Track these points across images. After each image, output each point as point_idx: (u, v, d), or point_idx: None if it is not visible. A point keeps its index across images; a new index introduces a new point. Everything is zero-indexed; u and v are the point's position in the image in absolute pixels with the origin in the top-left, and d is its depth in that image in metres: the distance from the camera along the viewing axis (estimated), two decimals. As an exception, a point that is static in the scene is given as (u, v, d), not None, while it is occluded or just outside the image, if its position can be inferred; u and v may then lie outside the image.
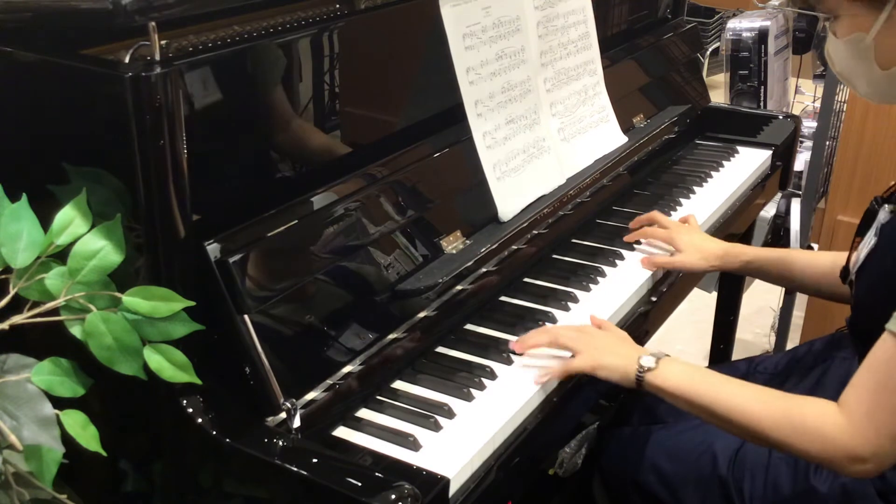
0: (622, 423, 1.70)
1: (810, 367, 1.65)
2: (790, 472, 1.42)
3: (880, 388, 1.18)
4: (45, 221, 1.05)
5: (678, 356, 1.39)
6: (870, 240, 1.38)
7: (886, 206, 1.36)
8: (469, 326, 1.46)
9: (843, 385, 1.24)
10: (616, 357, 1.35)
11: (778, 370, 1.69)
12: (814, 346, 1.69)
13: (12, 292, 1.03)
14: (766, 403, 1.25)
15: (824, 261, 1.65)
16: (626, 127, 1.97)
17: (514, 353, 1.38)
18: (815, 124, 2.69)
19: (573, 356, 1.36)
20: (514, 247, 1.55)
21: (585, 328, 1.42)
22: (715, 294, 2.52)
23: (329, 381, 1.21)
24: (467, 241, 1.48)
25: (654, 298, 1.64)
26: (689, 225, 1.77)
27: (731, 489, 1.46)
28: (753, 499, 1.44)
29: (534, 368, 1.36)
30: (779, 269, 1.70)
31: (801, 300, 2.80)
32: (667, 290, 1.68)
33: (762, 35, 3.06)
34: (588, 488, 1.74)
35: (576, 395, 1.39)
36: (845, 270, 1.47)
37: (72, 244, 1.04)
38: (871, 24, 1.26)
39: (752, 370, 1.70)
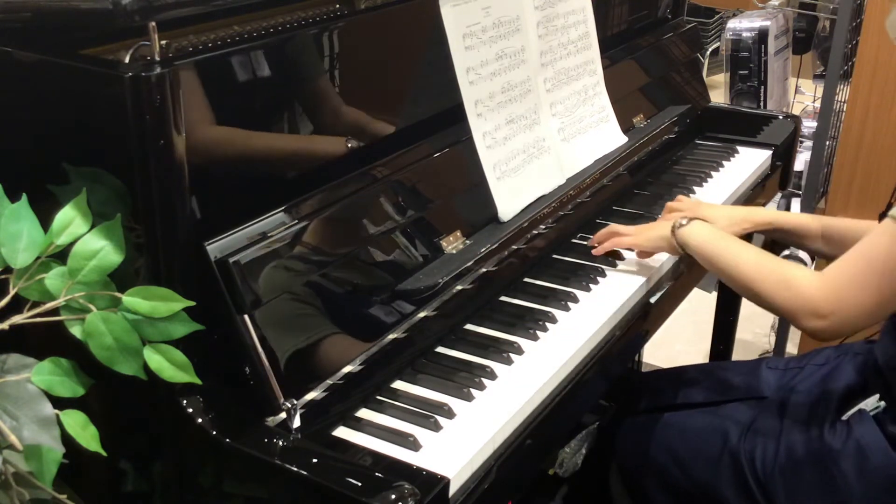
0: (631, 411, 1.71)
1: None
2: (803, 434, 1.46)
3: (857, 258, 1.34)
4: (45, 221, 1.05)
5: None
6: None
7: None
8: (469, 326, 1.46)
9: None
10: (657, 228, 1.62)
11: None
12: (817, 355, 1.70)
13: (12, 292, 1.03)
14: (762, 263, 1.44)
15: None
16: (626, 127, 1.97)
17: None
18: (815, 124, 2.69)
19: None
20: (514, 247, 1.55)
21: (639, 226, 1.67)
22: (715, 294, 2.52)
23: (329, 381, 1.21)
24: (467, 241, 1.48)
25: (653, 299, 1.64)
26: (702, 201, 1.85)
27: (743, 460, 1.49)
28: (766, 465, 1.46)
29: (532, 368, 1.36)
30: (799, 227, 1.76)
31: (801, 300, 2.79)
32: (667, 291, 1.68)
33: (762, 35, 3.06)
34: (589, 487, 1.74)
35: (576, 395, 1.39)
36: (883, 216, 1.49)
37: (72, 244, 1.04)
38: None
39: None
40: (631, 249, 1.66)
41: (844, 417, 1.45)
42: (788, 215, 1.83)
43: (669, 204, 1.80)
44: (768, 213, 1.81)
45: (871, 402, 1.43)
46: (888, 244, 1.30)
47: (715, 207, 1.80)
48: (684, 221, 1.56)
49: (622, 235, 1.64)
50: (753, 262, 1.44)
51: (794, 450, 1.46)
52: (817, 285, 1.35)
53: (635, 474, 1.64)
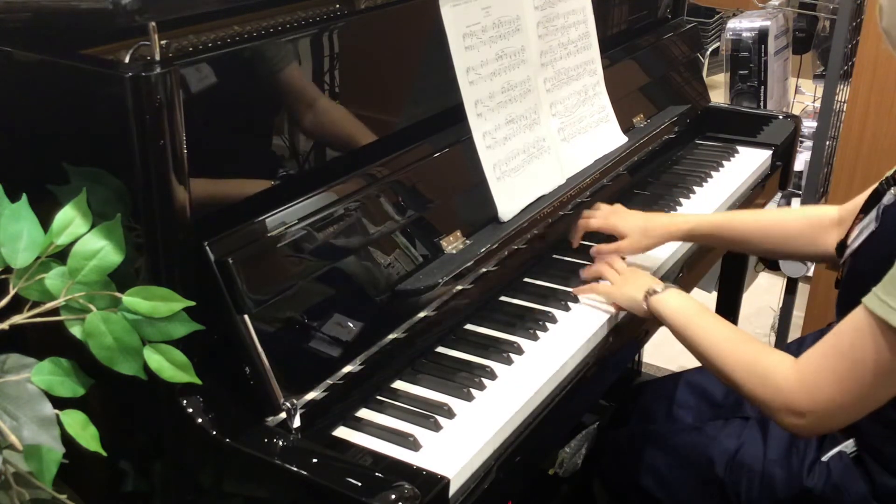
0: (620, 424, 1.70)
1: None
2: (784, 474, 1.43)
3: (832, 352, 1.22)
4: (45, 221, 1.05)
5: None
6: (871, 221, 1.36)
7: (893, 189, 1.34)
8: (469, 326, 1.46)
9: None
10: (633, 286, 1.52)
11: None
12: (805, 343, 1.69)
13: (12, 292, 1.03)
14: (735, 346, 1.34)
15: (787, 219, 1.67)
16: (626, 127, 1.97)
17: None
18: (815, 124, 2.69)
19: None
20: (514, 247, 1.55)
21: (625, 268, 1.60)
22: (715, 294, 2.52)
23: (329, 381, 1.21)
24: (467, 241, 1.48)
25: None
26: (619, 209, 1.74)
27: (729, 490, 1.46)
28: (751, 499, 1.44)
29: (532, 368, 1.36)
30: (729, 232, 1.71)
31: (801, 300, 2.80)
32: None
33: (762, 35, 3.06)
34: (588, 488, 1.74)
35: (576, 395, 1.39)
36: (842, 245, 1.46)
37: (72, 244, 1.04)
38: None
39: None
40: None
41: (824, 459, 1.41)
42: (710, 217, 1.76)
43: (586, 212, 1.72)
44: (688, 221, 1.72)
45: (851, 444, 1.39)
46: (868, 342, 1.18)
47: (629, 217, 1.70)
48: (658, 289, 1.46)
49: (607, 273, 1.57)
50: (729, 346, 1.34)
51: (774, 490, 1.42)
52: (794, 381, 1.24)
53: (620, 490, 1.63)
